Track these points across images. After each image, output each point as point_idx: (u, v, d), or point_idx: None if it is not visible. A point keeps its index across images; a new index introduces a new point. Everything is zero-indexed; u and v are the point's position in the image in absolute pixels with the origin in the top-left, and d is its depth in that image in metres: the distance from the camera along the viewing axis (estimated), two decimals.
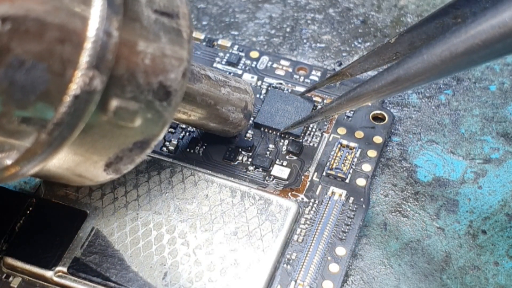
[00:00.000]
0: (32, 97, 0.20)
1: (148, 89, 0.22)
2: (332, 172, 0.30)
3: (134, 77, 0.22)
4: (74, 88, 0.20)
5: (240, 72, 0.34)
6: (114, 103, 0.22)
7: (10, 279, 0.27)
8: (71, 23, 0.20)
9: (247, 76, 0.33)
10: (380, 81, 0.24)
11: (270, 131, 0.31)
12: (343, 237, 0.28)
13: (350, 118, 0.32)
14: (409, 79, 0.23)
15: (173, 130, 0.31)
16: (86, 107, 0.21)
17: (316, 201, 0.29)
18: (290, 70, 0.34)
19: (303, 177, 0.30)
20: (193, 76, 0.27)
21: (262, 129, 0.31)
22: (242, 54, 0.35)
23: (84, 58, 0.20)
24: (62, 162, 0.23)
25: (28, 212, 0.28)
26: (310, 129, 0.31)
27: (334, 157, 0.30)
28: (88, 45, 0.20)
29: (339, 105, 0.27)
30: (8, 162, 0.22)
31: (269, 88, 0.33)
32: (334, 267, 0.27)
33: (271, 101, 0.32)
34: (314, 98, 0.32)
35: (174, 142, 0.31)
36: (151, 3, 0.23)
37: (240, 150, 0.31)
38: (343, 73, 0.31)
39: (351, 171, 0.30)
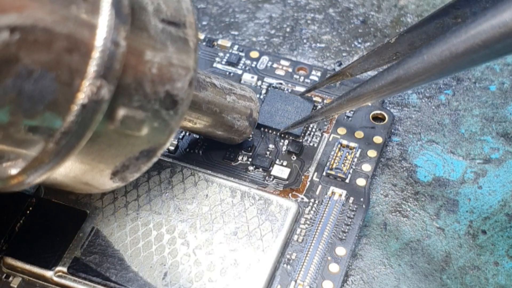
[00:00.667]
0: (40, 107, 0.20)
1: (155, 98, 0.22)
2: (332, 172, 0.30)
3: (141, 86, 0.22)
4: (82, 97, 0.20)
5: (240, 72, 0.34)
6: (121, 112, 0.22)
7: (10, 279, 0.27)
8: (79, 33, 0.20)
9: (247, 76, 0.33)
10: (380, 81, 0.24)
11: (270, 131, 0.31)
12: (343, 237, 0.28)
13: (350, 118, 0.32)
14: (409, 79, 0.23)
15: None
16: (94, 116, 0.21)
17: (316, 201, 0.29)
18: (290, 70, 0.34)
19: (303, 177, 0.30)
20: (198, 84, 0.27)
21: (262, 129, 0.31)
22: (242, 54, 0.35)
23: (92, 68, 0.20)
24: (68, 170, 0.23)
25: (28, 212, 0.28)
26: (310, 129, 0.31)
27: (334, 157, 0.30)
28: (95, 55, 0.20)
29: (339, 105, 0.27)
30: (15, 171, 0.22)
31: (269, 88, 0.33)
32: (334, 267, 0.27)
33: (271, 101, 0.32)
34: (314, 98, 0.32)
35: (174, 142, 0.31)
36: (158, 13, 0.23)
37: (240, 150, 0.31)
38: (343, 73, 0.31)
39: (351, 171, 0.30)
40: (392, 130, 0.32)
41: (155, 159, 0.24)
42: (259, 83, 0.33)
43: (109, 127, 0.22)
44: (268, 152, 0.31)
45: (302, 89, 0.33)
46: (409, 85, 0.23)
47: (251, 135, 0.31)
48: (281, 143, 0.31)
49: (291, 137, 0.31)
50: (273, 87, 0.33)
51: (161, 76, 0.22)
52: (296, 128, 0.31)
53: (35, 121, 0.21)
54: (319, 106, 0.32)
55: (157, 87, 0.22)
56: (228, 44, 0.35)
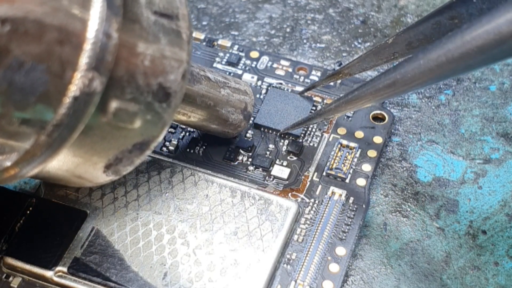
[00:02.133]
0: (31, 99, 0.20)
1: (148, 90, 0.22)
2: (332, 172, 0.30)
3: (134, 79, 0.22)
4: (74, 89, 0.20)
5: (240, 72, 0.34)
6: (113, 104, 0.22)
7: (10, 279, 0.27)
8: (70, 25, 0.20)
9: (247, 76, 0.33)
10: (377, 84, 0.24)
11: (270, 131, 0.31)
12: (343, 237, 0.28)
13: (350, 118, 0.32)
14: (406, 83, 0.23)
15: (173, 130, 0.31)
16: (86, 109, 0.20)
17: (316, 201, 0.29)
18: (290, 70, 0.34)
19: (303, 177, 0.30)
20: (192, 77, 0.27)
21: (262, 129, 0.31)
22: (242, 54, 0.35)
23: (84, 60, 0.20)
24: (61, 163, 0.23)
25: (28, 212, 0.28)
26: (310, 129, 0.31)
27: (334, 157, 0.30)
28: (87, 47, 0.20)
29: (338, 107, 0.27)
30: (8, 163, 0.22)
31: (269, 88, 0.33)
32: (334, 267, 0.27)
33: (271, 101, 0.32)
34: (314, 98, 0.32)
35: (174, 142, 0.31)
36: (150, 5, 0.23)
37: (240, 150, 0.31)
38: (341, 73, 0.31)
39: (351, 171, 0.30)
40: (392, 130, 0.32)
41: (148, 152, 0.24)
42: (259, 83, 0.33)
43: (101, 120, 0.22)
44: (268, 152, 0.31)
45: (302, 89, 0.33)
46: (407, 89, 0.24)
47: (250, 134, 0.31)
48: (281, 143, 0.31)
49: (291, 137, 0.31)
50: (273, 87, 0.33)
51: (153, 68, 0.22)
52: (295, 129, 0.31)
53: (27, 113, 0.20)
54: (319, 106, 0.32)
55: (150, 79, 0.22)
56: (228, 44, 0.35)
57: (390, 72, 0.24)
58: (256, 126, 0.31)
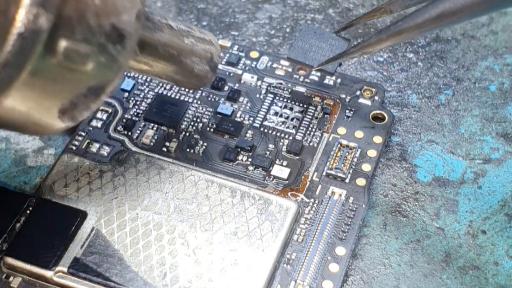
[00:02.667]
0: None
1: (100, 31, 0.22)
2: (332, 172, 0.30)
3: (84, 18, 0.21)
4: (18, 26, 0.19)
5: (240, 72, 0.34)
6: (63, 44, 0.21)
7: (10, 279, 0.27)
8: None
9: (247, 76, 0.33)
10: (424, 15, 0.23)
11: (303, 68, 0.31)
12: (343, 237, 0.28)
13: (350, 118, 0.32)
14: (455, 13, 0.22)
15: (173, 130, 0.31)
16: (33, 47, 0.20)
17: (316, 201, 0.29)
18: (290, 70, 0.34)
19: (303, 177, 0.30)
20: (153, 25, 0.26)
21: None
22: (242, 54, 0.35)
23: None
24: (13, 106, 0.22)
25: (28, 212, 0.28)
26: (310, 129, 0.31)
27: (334, 157, 0.30)
28: None
29: (379, 40, 0.26)
30: None
31: (302, 25, 0.32)
32: (334, 267, 0.27)
33: (305, 37, 0.32)
34: (314, 98, 0.32)
35: (175, 142, 0.31)
36: None
37: (240, 150, 0.31)
38: (383, 10, 0.29)
39: (351, 171, 0.30)
40: (392, 130, 0.32)
41: (104, 97, 0.23)
42: (259, 83, 0.33)
43: (51, 61, 0.21)
44: (268, 152, 0.31)
45: (302, 89, 0.33)
46: (455, 20, 0.23)
47: (250, 134, 0.31)
48: (281, 143, 0.31)
49: (291, 136, 0.31)
50: (273, 86, 0.33)
51: (105, 8, 0.21)
52: (330, 64, 0.30)
53: None
54: (319, 106, 0.32)
55: (102, 19, 0.21)
56: (228, 44, 0.35)
57: (438, 2, 0.23)
58: (290, 60, 0.31)
